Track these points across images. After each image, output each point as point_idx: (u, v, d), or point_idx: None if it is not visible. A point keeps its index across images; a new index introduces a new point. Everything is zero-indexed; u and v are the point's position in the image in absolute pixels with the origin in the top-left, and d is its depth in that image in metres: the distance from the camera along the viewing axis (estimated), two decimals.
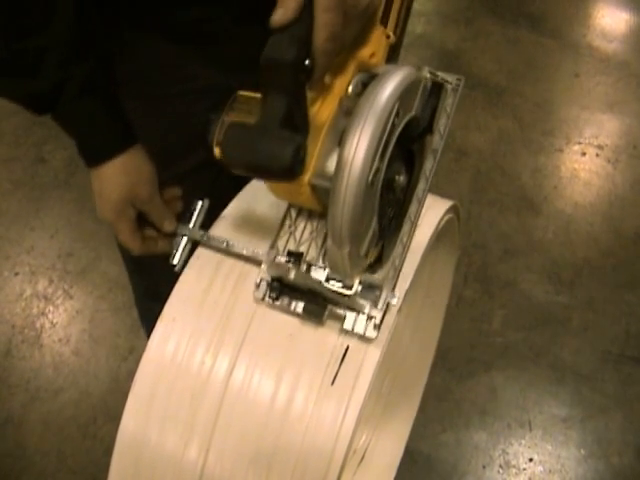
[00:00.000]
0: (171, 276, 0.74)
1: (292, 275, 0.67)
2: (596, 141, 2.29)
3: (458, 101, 0.70)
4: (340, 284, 0.65)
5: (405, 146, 0.66)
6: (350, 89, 0.63)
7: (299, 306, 0.68)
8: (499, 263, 1.96)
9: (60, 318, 1.81)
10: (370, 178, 0.59)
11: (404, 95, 0.61)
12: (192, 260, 0.74)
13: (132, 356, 1.73)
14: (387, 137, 0.60)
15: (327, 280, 0.65)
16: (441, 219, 0.82)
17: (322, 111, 0.63)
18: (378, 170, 0.60)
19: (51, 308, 1.82)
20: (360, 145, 0.58)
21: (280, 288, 0.69)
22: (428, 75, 0.68)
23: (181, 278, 0.73)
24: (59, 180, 2.08)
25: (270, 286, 0.69)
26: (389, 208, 0.68)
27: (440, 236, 0.84)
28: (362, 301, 0.66)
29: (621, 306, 1.88)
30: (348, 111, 0.63)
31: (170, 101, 0.96)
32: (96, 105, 0.76)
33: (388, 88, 0.60)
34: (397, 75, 0.61)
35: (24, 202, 2.04)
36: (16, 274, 1.89)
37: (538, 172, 2.19)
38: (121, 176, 0.78)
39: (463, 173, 2.16)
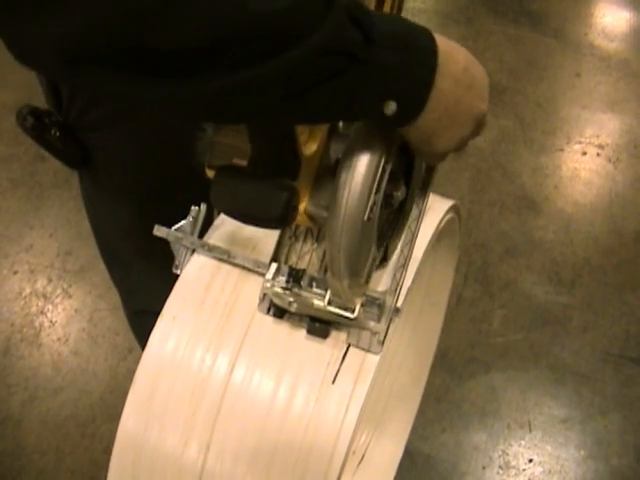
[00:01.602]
0: (163, 295, 0.73)
1: (294, 308, 0.66)
2: (597, 140, 2.29)
3: None
4: (342, 308, 0.65)
5: (403, 156, 0.65)
6: (340, 123, 0.62)
7: (303, 325, 0.68)
8: (499, 263, 1.95)
9: (59, 317, 1.80)
10: (366, 216, 0.58)
11: None
12: (192, 259, 0.74)
13: (131, 355, 1.73)
14: (382, 170, 0.59)
15: (329, 303, 0.65)
16: (442, 219, 0.82)
17: (313, 138, 0.61)
18: (374, 203, 0.59)
19: (50, 307, 1.82)
20: (354, 188, 0.57)
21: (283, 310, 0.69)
22: None
23: (181, 277, 0.73)
24: (58, 179, 2.07)
25: (275, 306, 0.68)
26: (389, 215, 0.67)
27: (441, 236, 0.83)
28: (365, 318, 0.66)
29: (621, 307, 1.88)
30: (342, 134, 0.62)
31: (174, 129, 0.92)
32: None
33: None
34: None
35: (23, 201, 2.04)
36: (15, 273, 1.88)
37: (539, 171, 2.19)
38: (459, 47, 0.59)
39: (463, 172, 2.16)
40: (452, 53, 0.56)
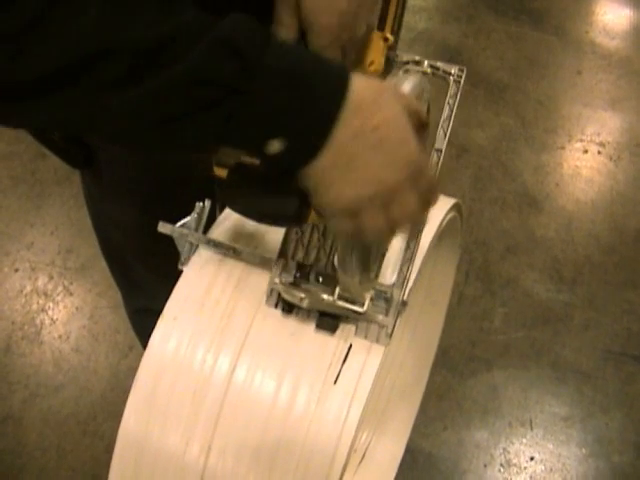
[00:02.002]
0: (164, 293, 0.73)
1: (305, 304, 0.66)
2: (598, 138, 2.29)
3: (461, 94, 0.69)
4: (352, 303, 0.65)
5: None
6: None
7: (309, 322, 0.68)
8: (500, 261, 1.95)
9: (60, 315, 1.80)
10: None
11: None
12: (194, 258, 0.73)
13: (132, 353, 1.73)
14: None
15: (339, 297, 0.65)
16: (444, 218, 0.82)
17: None
18: None
19: (51, 305, 1.82)
20: None
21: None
22: (429, 70, 0.67)
23: (182, 277, 0.73)
24: (59, 176, 2.07)
25: (283, 301, 0.68)
26: None
27: (442, 235, 0.83)
28: (373, 312, 0.66)
29: (622, 304, 1.88)
30: None
31: None
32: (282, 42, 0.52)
33: None
34: None
35: (24, 198, 2.04)
36: (16, 270, 1.88)
37: (540, 169, 2.19)
38: (389, 104, 0.54)
39: (464, 170, 2.16)
40: (368, 106, 0.52)
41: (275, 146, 0.50)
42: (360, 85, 0.52)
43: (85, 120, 0.48)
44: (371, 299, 0.65)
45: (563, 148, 2.26)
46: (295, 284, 0.65)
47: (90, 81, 0.45)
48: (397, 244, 0.70)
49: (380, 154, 0.53)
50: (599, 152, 2.25)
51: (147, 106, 0.47)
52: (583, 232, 2.03)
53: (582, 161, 2.22)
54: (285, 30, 0.58)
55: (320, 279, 0.67)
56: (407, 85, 0.61)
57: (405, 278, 0.66)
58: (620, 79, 2.49)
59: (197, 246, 0.74)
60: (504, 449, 1.63)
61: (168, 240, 0.74)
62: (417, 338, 1.25)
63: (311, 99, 0.50)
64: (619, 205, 2.11)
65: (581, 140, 2.28)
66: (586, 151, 2.25)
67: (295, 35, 0.58)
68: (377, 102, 0.52)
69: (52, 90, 0.45)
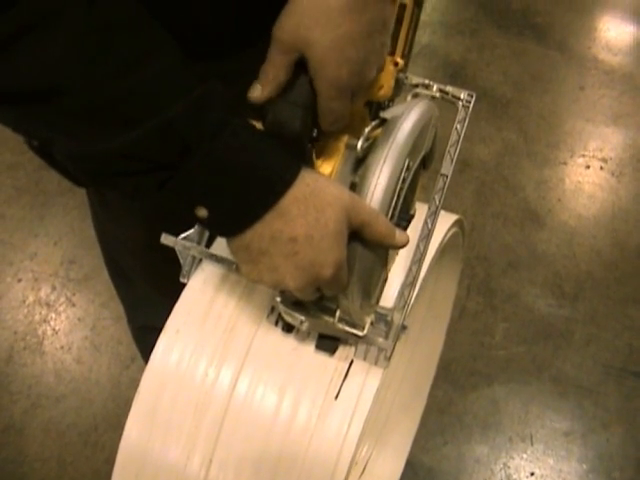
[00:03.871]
0: (166, 311, 0.73)
1: (305, 327, 0.66)
2: (600, 154, 2.29)
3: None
4: (352, 326, 0.65)
5: (416, 175, 0.66)
6: (359, 146, 0.61)
7: (309, 340, 0.68)
8: (502, 276, 1.95)
9: (62, 325, 1.81)
10: None
11: (413, 147, 0.61)
12: (197, 272, 0.74)
13: (134, 364, 1.73)
14: (397, 196, 0.59)
15: (339, 320, 0.65)
16: (445, 233, 0.82)
17: (328, 162, 0.62)
18: None
19: (53, 315, 1.82)
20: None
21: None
22: (438, 94, 0.67)
23: (185, 290, 0.73)
24: (63, 187, 2.08)
25: (283, 321, 0.68)
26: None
27: (444, 250, 0.84)
28: (372, 334, 0.66)
29: (624, 320, 1.88)
30: (358, 159, 0.62)
31: None
32: (244, 121, 0.55)
33: (395, 152, 0.59)
34: (405, 128, 0.61)
35: (28, 208, 2.04)
36: (19, 280, 1.89)
37: (542, 184, 2.19)
38: (326, 185, 0.56)
39: (467, 185, 2.16)
40: (295, 216, 0.54)
41: (202, 212, 0.54)
42: (300, 191, 0.54)
43: (44, 139, 0.53)
44: (371, 323, 0.65)
45: (565, 163, 2.26)
46: (296, 304, 0.65)
47: (44, 108, 0.49)
48: (400, 265, 0.71)
49: (289, 264, 0.56)
50: (601, 168, 2.25)
51: (84, 154, 0.51)
52: (585, 248, 2.03)
53: (584, 177, 2.23)
54: (267, 77, 0.56)
55: (321, 301, 0.67)
56: (405, 130, 0.61)
57: (406, 302, 0.66)
58: (623, 95, 2.49)
59: (199, 260, 0.74)
60: (504, 464, 1.62)
61: (173, 259, 0.74)
62: (418, 352, 1.24)
63: (238, 193, 0.53)
64: (621, 221, 2.11)
65: (583, 156, 2.28)
66: (588, 167, 2.25)
67: (279, 83, 0.56)
68: (306, 214, 0.54)
69: (11, 103, 0.48)
